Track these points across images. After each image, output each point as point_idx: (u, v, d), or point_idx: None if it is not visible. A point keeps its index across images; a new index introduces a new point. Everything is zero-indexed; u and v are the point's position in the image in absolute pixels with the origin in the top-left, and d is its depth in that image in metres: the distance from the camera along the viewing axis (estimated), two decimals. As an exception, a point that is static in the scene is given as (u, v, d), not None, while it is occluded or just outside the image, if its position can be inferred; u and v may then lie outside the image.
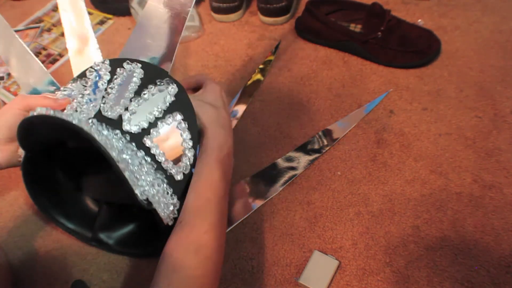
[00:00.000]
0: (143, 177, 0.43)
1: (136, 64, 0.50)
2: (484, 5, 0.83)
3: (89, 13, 0.97)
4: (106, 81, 0.49)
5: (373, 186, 0.60)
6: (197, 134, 0.50)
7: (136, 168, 0.43)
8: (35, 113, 0.44)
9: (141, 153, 0.44)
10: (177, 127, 0.48)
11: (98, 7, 0.97)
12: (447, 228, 0.54)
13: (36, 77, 0.57)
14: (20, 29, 0.96)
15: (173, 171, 0.46)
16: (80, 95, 0.48)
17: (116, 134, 0.44)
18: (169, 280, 0.41)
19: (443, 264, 0.51)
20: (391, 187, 0.59)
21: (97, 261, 0.57)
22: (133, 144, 0.44)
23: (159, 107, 0.47)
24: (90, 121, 0.44)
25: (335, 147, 0.65)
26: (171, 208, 0.45)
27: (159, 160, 0.45)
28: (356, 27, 0.78)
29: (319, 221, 0.57)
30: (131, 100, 0.47)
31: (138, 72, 0.50)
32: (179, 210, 0.46)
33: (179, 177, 0.46)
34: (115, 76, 0.50)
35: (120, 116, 0.46)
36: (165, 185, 0.45)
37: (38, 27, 0.96)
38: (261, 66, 0.78)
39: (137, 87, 0.49)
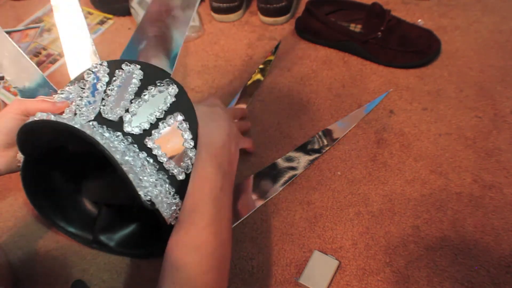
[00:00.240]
0: (146, 178, 0.43)
1: (135, 65, 0.50)
2: (484, 5, 0.83)
3: (89, 13, 0.98)
4: (105, 83, 0.49)
5: (373, 186, 0.60)
6: None
7: (138, 169, 0.43)
8: (35, 118, 0.44)
9: (143, 155, 0.44)
10: (178, 127, 0.47)
11: (98, 7, 0.97)
12: (447, 228, 0.54)
13: (31, 79, 0.57)
14: (20, 29, 0.96)
15: (175, 171, 0.46)
16: (79, 98, 0.48)
17: (118, 136, 0.44)
18: (173, 279, 0.42)
19: (443, 264, 0.51)
20: (391, 187, 0.59)
21: (97, 261, 0.57)
22: (135, 145, 0.44)
23: (159, 108, 0.47)
24: (90, 123, 0.44)
25: (335, 147, 0.65)
26: (174, 208, 0.45)
27: (161, 161, 0.45)
28: (356, 27, 0.78)
29: (319, 221, 0.57)
30: (131, 102, 0.47)
31: (137, 73, 0.49)
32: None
33: (181, 177, 0.46)
34: (114, 78, 0.49)
35: (121, 118, 0.46)
36: (167, 185, 0.45)
37: (38, 27, 0.96)
38: (261, 66, 0.78)
39: (137, 88, 0.48)
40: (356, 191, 0.59)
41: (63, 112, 0.48)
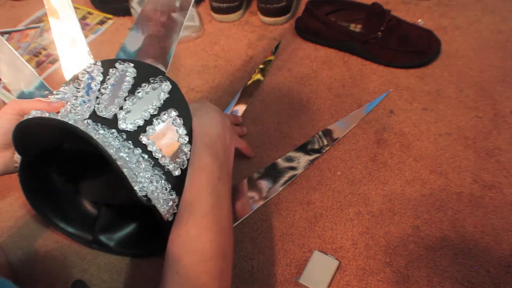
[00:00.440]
0: (141, 174, 0.43)
1: (128, 63, 0.51)
2: (484, 5, 0.83)
3: (89, 13, 0.98)
4: (99, 82, 0.50)
5: (373, 186, 0.60)
6: None
7: (134, 165, 0.43)
8: (30, 116, 0.44)
9: (138, 151, 0.44)
10: (172, 123, 0.48)
11: (98, 7, 0.97)
12: (447, 228, 0.54)
13: (27, 82, 0.57)
14: (20, 29, 0.96)
15: (170, 167, 0.46)
16: (74, 98, 0.49)
17: (112, 133, 0.44)
18: (176, 268, 0.42)
19: (443, 264, 0.51)
20: (391, 187, 0.59)
21: (97, 261, 0.57)
22: (130, 142, 0.45)
23: (153, 104, 0.48)
24: (85, 121, 0.45)
25: (335, 147, 0.65)
26: (170, 203, 0.46)
27: (156, 157, 0.45)
28: (356, 27, 0.78)
29: (319, 221, 0.57)
30: (125, 99, 0.47)
31: (131, 71, 0.50)
32: (178, 206, 0.46)
33: (177, 172, 0.47)
34: (107, 77, 0.50)
35: (115, 116, 0.46)
36: (163, 181, 0.45)
37: (38, 27, 0.96)
38: (261, 66, 0.78)
39: (130, 86, 0.49)
40: (356, 191, 0.59)
41: (58, 112, 0.48)
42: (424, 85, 0.71)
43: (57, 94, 0.50)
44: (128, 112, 0.46)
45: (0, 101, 0.80)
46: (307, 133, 0.67)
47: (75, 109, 0.47)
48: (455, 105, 0.68)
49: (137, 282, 0.55)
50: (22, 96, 0.57)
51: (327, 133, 0.67)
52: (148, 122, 0.47)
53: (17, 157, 0.49)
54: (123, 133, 0.45)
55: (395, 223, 0.56)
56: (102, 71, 0.51)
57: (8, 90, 0.82)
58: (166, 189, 0.45)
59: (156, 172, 0.45)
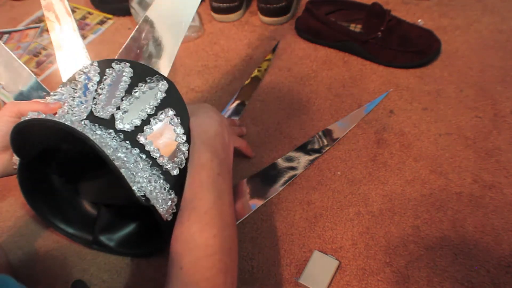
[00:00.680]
0: (139, 174, 0.43)
1: (125, 63, 0.51)
2: (484, 5, 0.83)
3: (89, 13, 0.98)
4: (95, 82, 0.49)
5: (373, 186, 0.60)
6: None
7: (132, 165, 0.43)
8: (27, 118, 0.44)
9: (136, 151, 0.44)
10: (170, 122, 0.48)
11: (98, 7, 0.97)
12: (447, 228, 0.54)
13: (25, 83, 0.57)
14: (20, 29, 0.96)
15: (168, 167, 0.46)
16: (71, 98, 0.49)
17: (110, 133, 0.44)
18: (180, 263, 0.42)
19: (443, 264, 0.51)
20: (391, 187, 0.59)
21: (97, 261, 0.57)
22: (127, 142, 0.44)
23: (150, 104, 0.48)
24: (82, 122, 0.45)
25: (335, 147, 0.65)
26: (169, 203, 0.46)
27: (154, 156, 0.45)
28: (356, 27, 0.78)
29: (319, 221, 0.57)
30: (122, 99, 0.47)
31: (127, 71, 0.50)
32: (177, 205, 0.47)
33: (175, 172, 0.47)
34: (104, 77, 0.50)
35: (113, 116, 0.46)
36: (161, 181, 0.45)
37: (38, 27, 0.96)
38: (260, 66, 0.78)
39: (127, 86, 0.49)
40: (356, 191, 0.59)
41: (56, 113, 0.48)
42: (424, 85, 0.71)
43: (54, 95, 0.50)
44: (125, 112, 0.46)
45: (1, 101, 0.80)
46: (307, 133, 0.67)
47: (72, 110, 0.47)
48: (455, 105, 0.68)
49: (137, 282, 0.55)
50: (20, 97, 0.57)
51: (327, 133, 0.67)
52: (146, 121, 0.47)
53: (16, 159, 0.49)
54: (121, 133, 0.45)
55: (395, 223, 0.56)
56: (98, 71, 0.50)
57: (8, 90, 0.82)
58: (164, 189, 0.45)
59: (154, 171, 0.45)
